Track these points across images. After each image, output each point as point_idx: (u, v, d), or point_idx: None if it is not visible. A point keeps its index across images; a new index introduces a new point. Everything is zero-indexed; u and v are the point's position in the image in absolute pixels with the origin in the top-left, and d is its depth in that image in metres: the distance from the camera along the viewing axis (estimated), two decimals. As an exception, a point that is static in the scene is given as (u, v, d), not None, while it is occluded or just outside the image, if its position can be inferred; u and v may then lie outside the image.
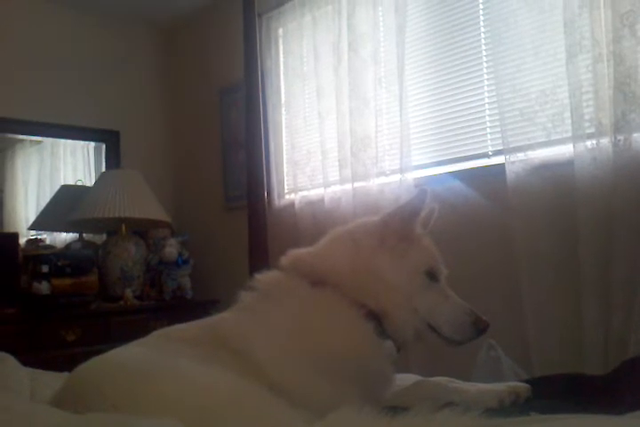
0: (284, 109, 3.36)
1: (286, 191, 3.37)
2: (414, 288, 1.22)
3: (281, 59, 3.40)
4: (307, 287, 1.19)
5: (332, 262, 1.23)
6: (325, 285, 1.19)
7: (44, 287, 3.01)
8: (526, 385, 1.22)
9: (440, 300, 1.24)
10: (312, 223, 3.03)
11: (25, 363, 1.52)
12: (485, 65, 2.59)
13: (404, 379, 1.31)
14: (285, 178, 3.37)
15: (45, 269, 3.08)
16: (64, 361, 1.29)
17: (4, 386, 1.28)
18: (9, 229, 3.57)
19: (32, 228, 3.64)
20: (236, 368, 0.98)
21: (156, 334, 1.17)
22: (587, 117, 2.14)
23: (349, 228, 1.32)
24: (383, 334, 1.19)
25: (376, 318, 1.18)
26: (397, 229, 1.24)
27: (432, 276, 1.25)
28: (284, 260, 1.28)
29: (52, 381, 1.36)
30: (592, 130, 2.13)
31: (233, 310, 1.22)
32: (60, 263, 3.12)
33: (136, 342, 1.13)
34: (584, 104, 2.15)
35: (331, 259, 1.24)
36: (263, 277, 1.25)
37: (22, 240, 3.43)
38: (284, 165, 3.37)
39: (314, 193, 3.13)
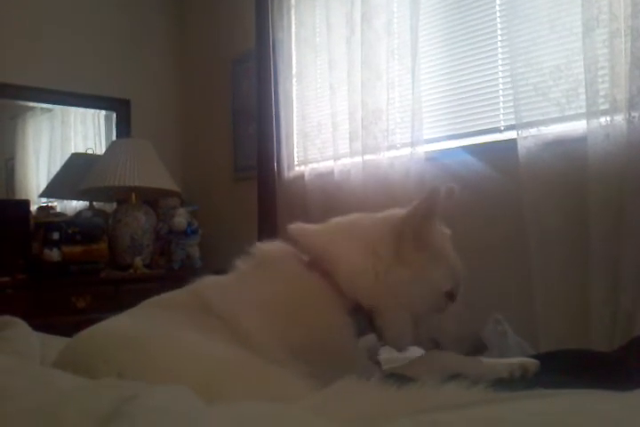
0: (295, 80, 3.33)
1: (296, 163, 3.37)
2: (428, 310, 1.13)
3: (293, 29, 3.36)
4: (300, 266, 1.15)
5: (337, 256, 1.13)
6: (319, 269, 1.13)
7: (54, 254, 3.05)
8: (535, 361, 1.22)
9: (451, 319, 1.15)
10: (321, 195, 3.03)
11: (35, 328, 1.53)
12: (500, 38, 2.55)
13: (412, 351, 1.31)
14: (295, 150, 3.36)
15: (56, 236, 3.11)
16: (74, 327, 1.29)
17: (16, 350, 1.28)
18: (20, 196, 3.59)
19: (43, 195, 3.66)
20: (227, 336, 0.97)
21: (146, 302, 1.15)
22: (601, 93, 2.12)
23: (368, 226, 1.19)
24: (368, 329, 1.13)
25: (365, 314, 1.11)
26: (412, 237, 1.11)
27: (450, 296, 1.14)
28: (291, 232, 1.22)
29: (62, 346, 1.38)
30: (606, 106, 2.10)
31: (225, 276, 1.20)
32: (70, 231, 3.15)
33: (129, 311, 1.11)
34: (599, 80, 2.12)
35: (336, 252, 1.14)
36: (263, 247, 1.22)
37: (33, 207, 3.45)
38: (295, 137, 3.35)
39: (323, 165, 3.12)
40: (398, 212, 1.19)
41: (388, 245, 1.12)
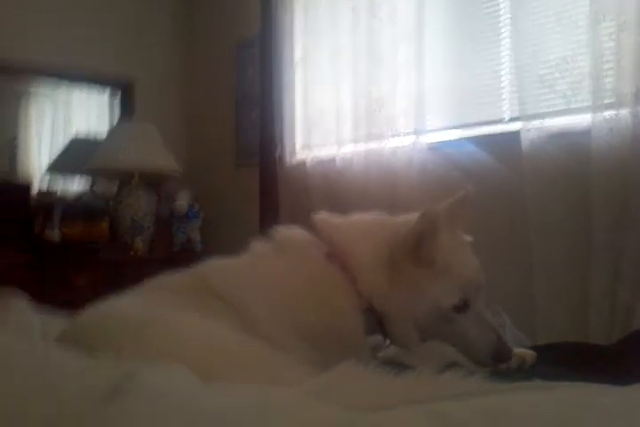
0: (299, 67, 3.32)
1: (298, 150, 3.36)
2: (432, 323, 1.10)
3: (298, 15, 3.34)
4: (320, 257, 1.12)
5: (357, 252, 1.12)
6: (340, 263, 1.11)
7: (55, 234, 3.06)
8: (532, 352, 1.22)
9: (466, 330, 1.10)
10: (323, 182, 3.03)
11: (36, 306, 1.55)
12: (506, 29, 2.53)
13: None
14: (298, 136, 3.35)
15: (57, 216, 3.13)
16: (74, 306, 1.31)
17: (18, 328, 1.29)
18: (22, 176, 3.60)
19: (45, 176, 3.67)
20: (230, 320, 0.97)
21: (149, 284, 1.14)
22: (607, 87, 2.11)
23: (385, 226, 1.17)
24: (376, 328, 1.12)
25: (375, 315, 1.10)
26: (409, 254, 1.09)
27: (459, 309, 1.10)
28: (316, 220, 1.19)
29: (62, 325, 1.39)
30: (612, 100, 2.09)
31: (234, 258, 1.18)
32: (71, 212, 3.16)
33: (132, 292, 1.11)
34: (605, 73, 2.11)
35: (358, 247, 1.13)
36: (284, 232, 1.19)
37: (35, 188, 3.46)
38: (297, 124, 3.35)
39: (326, 152, 3.12)
40: (406, 222, 1.15)
41: (391, 259, 1.10)
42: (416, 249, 1.08)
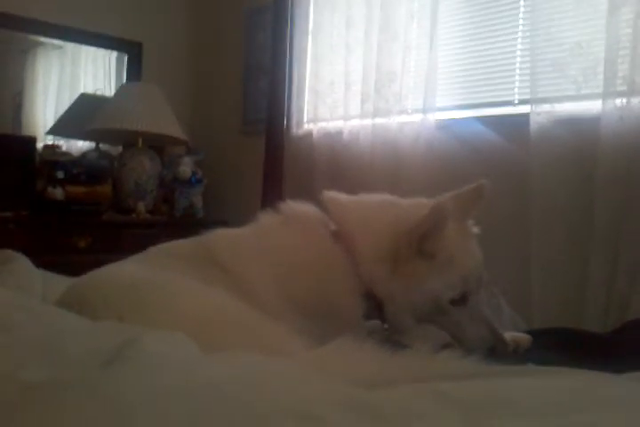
0: (310, 37, 3.28)
1: (305, 121, 3.34)
2: (429, 314, 1.11)
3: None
4: (326, 234, 1.13)
5: (362, 235, 1.12)
6: (345, 244, 1.11)
7: (58, 193, 3.06)
8: (527, 336, 1.23)
9: (462, 322, 1.11)
10: (329, 155, 3.03)
11: (35, 265, 1.55)
12: (522, 10, 2.51)
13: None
14: (306, 107, 3.33)
15: (61, 175, 3.12)
16: (74, 267, 1.31)
17: (18, 285, 1.29)
18: (27, 132, 3.57)
19: (50, 133, 3.65)
20: (231, 289, 0.98)
21: (153, 249, 1.14)
22: (620, 74, 2.10)
23: (394, 213, 1.15)
24: (375, 314, 1.12)
25: (374, 300, 1.11)
26: (413, 247, 1.08)
27: (458, 302, 1.10)
28: (326, 198, 1.19)
29: (63, 285, 1.39)
30: (624, 88, 2.09)
31: (240, 229, 1.18)
32: (75, 171, 3.15)
33: (135, 258, 1.12)
34: (619, 60, 2.10)
35: (363, 230, 1.13)
36: (294, 207, 1.19)
37: (39, 145, 3.45)
38: (306, 95, 3.32)
39: (333, 125, 3.11)
40: (424, 205, 1.14)
41: (394, 249, 1.10)
42: (421, 241, 1.07)
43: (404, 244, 1.08)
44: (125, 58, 3.91)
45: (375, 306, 1.11)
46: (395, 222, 1.12)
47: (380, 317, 1.12)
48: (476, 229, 1.17)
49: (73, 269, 1.28)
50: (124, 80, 3.89)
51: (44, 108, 3.72)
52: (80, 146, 3.76)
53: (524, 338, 1.23)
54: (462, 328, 1.10)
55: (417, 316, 1.10)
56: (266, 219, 1.18)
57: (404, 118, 2.78)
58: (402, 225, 1.10)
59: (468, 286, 1.11)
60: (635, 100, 2.05)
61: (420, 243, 1.07)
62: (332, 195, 1.21)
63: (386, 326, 1.15)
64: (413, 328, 1.12)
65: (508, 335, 1.22)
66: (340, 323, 1.05)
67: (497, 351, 1.09)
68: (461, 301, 1.10)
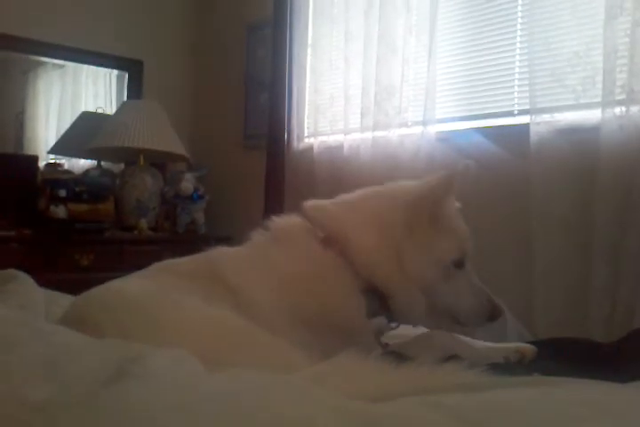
0: (309, 51, 3.31)
1: (306, 135, 3.36)
2: (437, 280, 1.15)
3: (311, -1, 3.33)
4: (315, 243, 1.15)
5: (350, 231, 1.16)
6: (335, 246, 1.14)
7: (60, 211, 3.06)
8: (532, 347, 1.22)
9: (463, 288, 1.18)
10: (329, 169, 3.03)
11: (38, 283, 1.54)
12: (520, 21, 2.53)
13: (411, 330, 1.32)
14: (306, 121, 3.35)
15: (63, 193, 3.13)
16: (76, 285, 1.31)
17: (20, 304, 1.29)
18: (28, 151, 3.59)
19: (51, 152, 3.67)
20: (231, 305, 0.99)
21: (155, 266, 1.15)
22: (619, 83, 2.10)
23: (380, 200, 1.22)
24: (380, 311, 1.14)
25: (379, 295, 1.13)
26: (427, 214, 1.14)
27: (459, 263, 1.18)
28: (307, 208, 1.23)
29: (66, 303, 1.39)
30: (623, 96, 2.09)
31: (238, 247, 1.20)
32: (77, 189, 3.16)
33: (138, 274, 1.13)
34: (617, 69, 2.10)
35: (352, 226, 1.17)
36: (279, 221, 1.22)
37: (41, 163, 3.46)
38: (306, 109, 3.34)
39: (333, 139, 3.12)
40: (408, 186, 1.22)
41: (401, 220, 1.15)
42: (434, 207, 1.14)
43: (416, 212, 1.14)
44: (126, 76, 3.94)
45: (379, 302, 1.14)
46: (386, 204, 1.18)
47: (385, 313, 1.15)
48: (457, 204, 1.24)
49: (76, 288, 1.28)
50: (125, 98, 3.92)
51: (46, 127, 3.75)
52: (82, 164, 3.78)
53: (529, 349, 1.22)
54: (463, 296, 1.17)
55: (424, 288, 1.14)
56: (257, 238, 1.21)
57: (404, 131, 2.78)
58: (400, 202, 1.17)
59: (466, 249, 1.19)
60: (634, 109, 2.05)
61: (433, 208, 1.14)
62: (311, 203, 1.24)
63: (393, 324, 1.19)
64: (421, 310, 1.16)
65: (513, 346, 1.22)
66: (344, 327, 1.08)
67: (492, 314, 1.17)
68: (461, 263, 1.18)
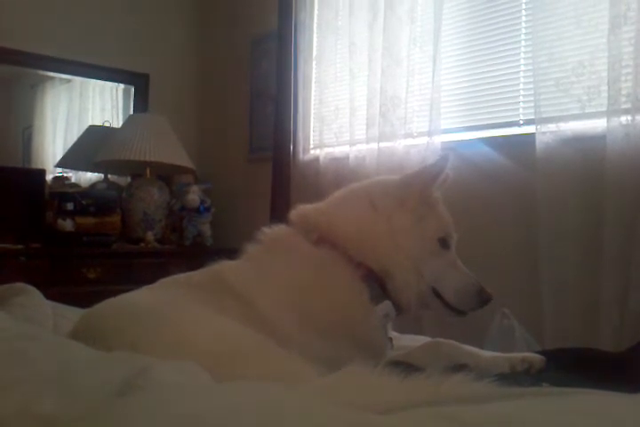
0: (314, 63, 3.32)
1: (311, 147, 3.36)
2: (425, 254, 1.23)
3: (315, 11, 3.34)
4: (307, 244, 1.20)
5: (338, 221, 1.23)
6: (326, 243, 1.19)
7: (68, 224, 3.08)
8: (540, 356, 1.22)
9: (448, 267, 1.25)
10: (335, 180, 3.03)
11: (47, 297, 1.55)
12: (524, 31, 2.53)
13: (418, 340, 1.32)
14: (311, 133, 3.36)
15: (70, 206, 3.14)
16: (84, 298, 1.32)
17: (29, 318, 1.30)
18: (36, 165, 3.62)
19: (59, 165, 3.69)
20: (241, 315, 1.00)
21: (164, 281, 1.19)
22: (624, 92, 2.10)
23: (366, 185, 1.32)
24: (383, 295, 1.19)
25: (377, 279, 1.19)
26: (419, 191, 1.24)
27: (444, 243, 1.25)
28: (292, 215, 1.29)
29: (74, 316, 1.39)
30: (628, 105, 2.08)
31: (238, 260, 1.24)
32: (84, 202, 3.17)
33: (147, 288, 1.15)
34: (622, 78, 2.10)
35: (337, 217, 1.24)
36: (269, 232, 1.27)
37: (49, 177, 3.48)
38: (311, 121, 3.35)
39: (339, 150, 3.12)
40: (391, 176, 1.34)
41: (389, 197, 1.24)
42: (425, 185, 1.24)
43: (410, 188, 1.24)
44: (132, 89, 3.97)
45: (379, 286, 1.19)
46: (368, 189, 1.29)
47: (387, 296, 1.20)
48: (437, 194, 1.31)
49: (84, 301, 1.29)
50: (132, 111, 3.94)
51: (53, 140, 3.77)
52: (89, 177, 3.80)
53: (538, 359, 1.21)
54: (449, 273, 1.24)
55: (415, 260, 1.21)
56: (251, 250, 1.25)
57: (409, 142, 2.78)
58: (387, 182, 1.29)
59: (450, 231, 1.27)
60: (639, 117, 2.05)
61: (425, 187, 1.24)
62: (298, 208, 1.30)
63: (394, 313, 1.22)
64: (418, 291, 1.22)
65: (519, 356, 1.22)
66: (351, 322, 1.13)
67: (483, 297, 1.24)
68: (446, 244, 1.26)
